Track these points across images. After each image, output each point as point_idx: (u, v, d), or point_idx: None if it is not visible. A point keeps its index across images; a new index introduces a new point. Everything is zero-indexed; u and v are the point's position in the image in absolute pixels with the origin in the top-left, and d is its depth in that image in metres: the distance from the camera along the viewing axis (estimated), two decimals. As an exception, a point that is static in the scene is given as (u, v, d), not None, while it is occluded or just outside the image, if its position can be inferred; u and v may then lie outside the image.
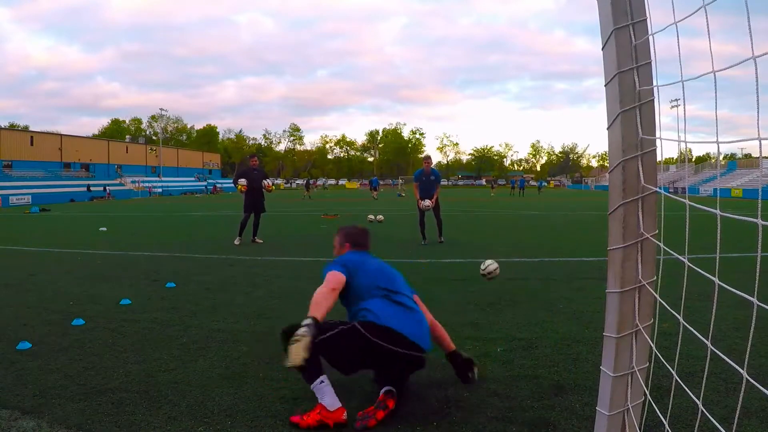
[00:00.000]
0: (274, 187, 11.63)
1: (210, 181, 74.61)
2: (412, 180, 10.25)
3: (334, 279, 2.86)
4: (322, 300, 2.74)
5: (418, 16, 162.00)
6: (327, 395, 2.61)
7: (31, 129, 71.01)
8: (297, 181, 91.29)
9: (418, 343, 2.77)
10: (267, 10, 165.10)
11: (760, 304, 0.99)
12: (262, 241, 10.35)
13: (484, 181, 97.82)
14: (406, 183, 53.52)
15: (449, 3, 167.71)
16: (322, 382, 2.64)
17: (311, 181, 45.68)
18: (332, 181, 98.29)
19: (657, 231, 1.39)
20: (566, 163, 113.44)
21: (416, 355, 2.78)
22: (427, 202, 9.66)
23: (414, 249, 9.27)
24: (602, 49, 1.40)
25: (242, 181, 10.11)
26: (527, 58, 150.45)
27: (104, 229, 14.43)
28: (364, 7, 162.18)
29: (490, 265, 5.35)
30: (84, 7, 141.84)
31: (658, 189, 1.37)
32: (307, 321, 2.54)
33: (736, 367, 1.10)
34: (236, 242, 10.13)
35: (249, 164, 10.74)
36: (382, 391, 2.74)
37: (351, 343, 2.71)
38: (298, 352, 2.42)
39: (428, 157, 10.46)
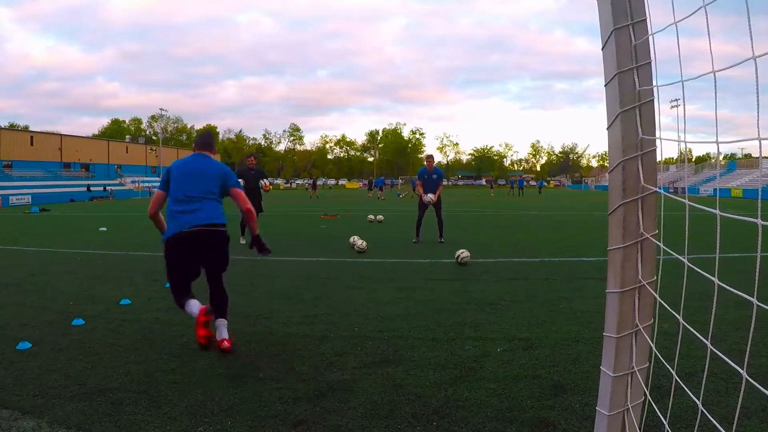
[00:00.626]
0: (272, 187, 11.65)
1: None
2: (416, 178, 10.50)
3: (152, 200, 3.87)
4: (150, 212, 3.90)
5: (418, 16, 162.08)
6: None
7: (31, 129, 71.02)
8: (297, 181, 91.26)
9: (189, 227, 3.65)
10: (267, 10, 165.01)
11: (760, 304, 0.99)
12: None
13: (484, 182, 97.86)
14: (405, 183, 53.56)
15: (450, 3, 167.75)
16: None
17: (317, 181, 45.56)
18: (332, 181, 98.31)
19: (657, 231, 1.39)
20: (566, 163, 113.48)
21: (194, 232, 3.65)
22: (430, 196, 9.89)
23: (414, 249, 9.27)
24: (602, 49, 1.40)
25: (240, 182, 10.11)
26: (528, 58, 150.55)
27: (104, 229, 14.43)
28: (364, 7, 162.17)
29: (462, 252, 7.18)
30: (84, 7, 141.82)
31: (658, 189, 1.37)
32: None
33: (736, 367, 1.10)
34: (242, 241, 10.21)
35: (246, 164, 10.67)
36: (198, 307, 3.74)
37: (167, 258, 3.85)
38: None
39: (430, 156, 10.69)
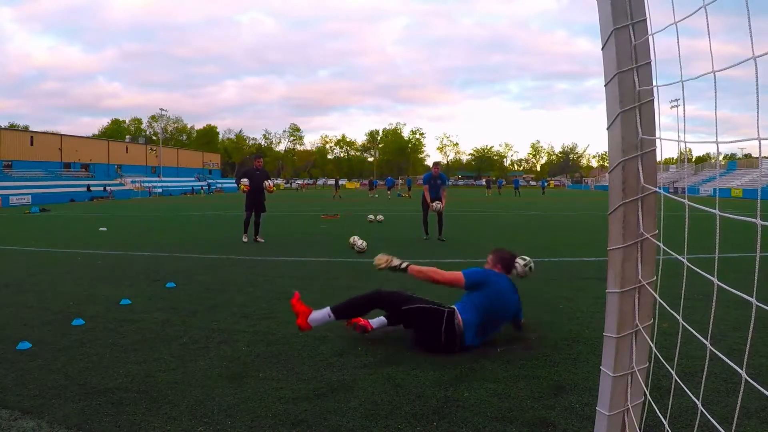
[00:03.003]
0: (275, 187, 11.87)
1: (211, 181, 74.56)
2: (422, 182, 11.10)
3: (454, 276, 3.87)
4: (430, 271, 3.94)
5: (419, 16, 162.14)
6: (320, 315, 3.75)
7: (31, 129, 71.03)
8: (297, 181, 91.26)
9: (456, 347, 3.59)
10: (268, 10, 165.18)
11: (760, 304, 0.99)
12: (263, 240, 10.54)
13: (484, 181, 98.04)
14: (404, 184, 53.65)
15: (451, 3, 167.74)
16: (330, 316, 3.73)
17: (340, 181, 45.22)
18: (332, 182, 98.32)
19: (657, 231, 1.39)
20: (566, 163, 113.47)
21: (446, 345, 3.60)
22: (438, 204, 10.27)
23: (414, 248, 9.28)
24: (602, 49, 1.40)
25: (245, 181, 10.47)
26: (528, 59, 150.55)
27: (104, 229, 14.43)
28: (365, 7, 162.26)
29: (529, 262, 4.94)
30: (85, 7, 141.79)
31: (658, 189, 1.37)
32: (407, 262, 3.95)
33: (736, 367, 1.10)
34: (244, 239, 10.51)
35: (253, 164, 11.05)
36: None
37: (429, 319, 3.61)
38: (381, 258, 3.99)
39: (437, 163, 11.24)
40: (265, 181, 10.57)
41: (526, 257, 5.10)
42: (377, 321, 3.81)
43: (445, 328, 3.54)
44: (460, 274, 3.83)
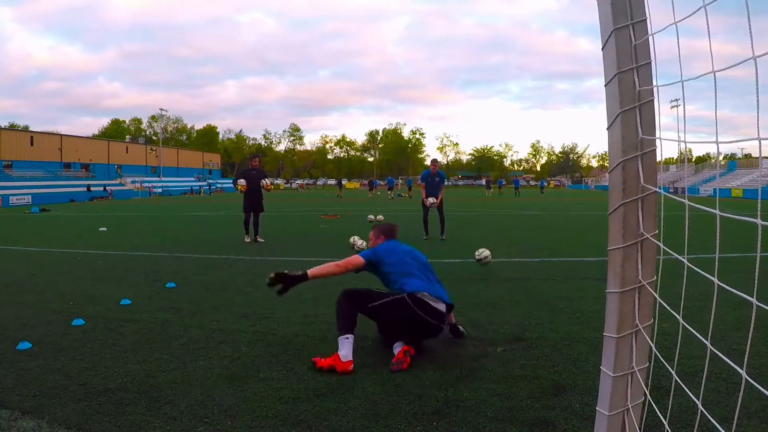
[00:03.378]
0: (273, 186, 11.94)
1: (211, 181, 74.53)
2: (419, 180, 11.19)
3: (350, 260, 3.76)
4: (325, 267, 3.68)
5: (420, 17, 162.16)
6: (345, 348, 3.30)
7: (31, 129, 71.03)
8: (297, 181, 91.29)
9: (441, 310, 3.60)
10: (269, 10, 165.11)
11: (760, 304, 0.99)
12: (263, 240, 10.58)
13: (484, 182, 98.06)
14: (404, 184, 53.73)
15: (451, 3, 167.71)
16: (347, 338, 3.35)
17: (343, 181, 45.57)
18: (332, 182, 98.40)
19: (657, 231, 1.39)
20: (566, 163, 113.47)
21: (440, 326, 3.61)
22: (432, 200, 10.40)
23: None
24: (602, 49, 1.40)
25: (242, 182, 10.49)
26: (529, 59, 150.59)
27: (104, 229, 14.43)
28: (366, 8, 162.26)
29: (483, 251, 6.51)
30: (85, 6, 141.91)
31: (658, 189, 1.37)
32: (300, 272, 3.60)
33: (736, 367, 1.10)
34: (246, 240, 10.55)
35: (249, 164, 11.06)
36: (402, 344, 3.45)
37: (399, 311, 3.50)
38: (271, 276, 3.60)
39: (435, 160, 11.32)
40: (262, 180, 10.62)
41: (483, 250, 6.48)
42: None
43: (422, 311, 3.49)
44: (356, 257, 3.77)
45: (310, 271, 3.60)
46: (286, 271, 3.59)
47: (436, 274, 3.99)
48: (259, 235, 10.62)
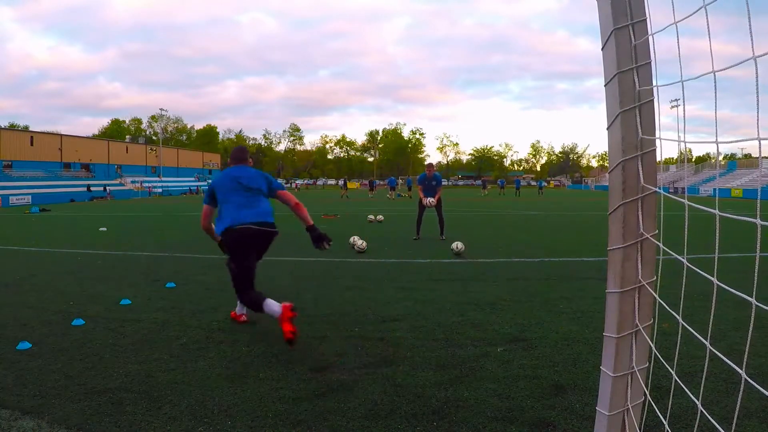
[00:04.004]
0: None
1: (210, 181, 74.50)
2: (417, 183, 11.32)
3: (204, 212, 4.42)
4: (204, 228, 4.50)
5: (421, 16, 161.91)
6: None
7: (31, 129, 71.02)
8: (297, 181, 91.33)
9: (252, 221, 3.99)
10: (270, 10, 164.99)
11: (759, 304, 0.99)
12: None
13: (480, 182, 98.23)
14: (404, 184, 53.83)
15: (452, 3, 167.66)
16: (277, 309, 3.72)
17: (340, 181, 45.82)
18: (332, 182, 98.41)
19: (657, 231, 1.39)
20: (566, 163, 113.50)
21: (256, 229, 4.00)
22: (430, 200, 10.54)
23: (414, 249, 9.28)
24: (602, 49, 1.40)
25: None
26: (529, 59, 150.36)
27: (104, 229, 14.43)
28: (367, 8, 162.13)
29: (458, 244, 8.45)
30: (86, 6, 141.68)
31: (658, 189, 1.37)
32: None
33: (735, 367, 1.10)
34: None
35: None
36: (279, 306, 3.70)
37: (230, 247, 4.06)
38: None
39: (430, 164, 11.49)
40: None
41: (458, 243, 8.42)
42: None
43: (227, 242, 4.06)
44: (204, 206, 4.40)
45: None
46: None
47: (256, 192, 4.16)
48: None
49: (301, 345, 3.82)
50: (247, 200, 4.05)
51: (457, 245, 8.47)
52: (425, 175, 10.90)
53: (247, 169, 4.23)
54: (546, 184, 64.07)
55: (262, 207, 4.09)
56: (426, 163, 12.49)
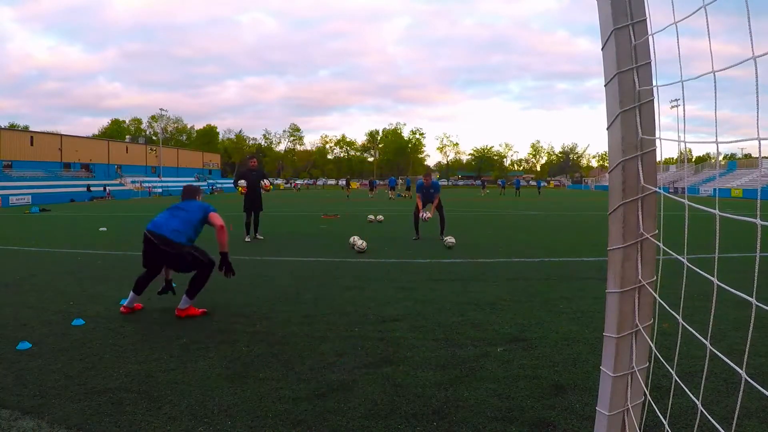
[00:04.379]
0: (272, 186, 12.04)
1: (210, 181, 74.50)
2: (415, 190, 11.30)
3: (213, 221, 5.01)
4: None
5: (421, 17, 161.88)
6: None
7: (31, 129, 71.00)
8: (297, 181, 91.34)
9: (158, 233, 4.70)
10: (270, 10, 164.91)
11: (759, 304, 0.99)
12: (262, 237, 10.77)
13: (479, 182, 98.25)
14: (404, 184, 53.94)
15: (453, 3, 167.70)
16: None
17: (341, 181, 46.27)
18: (332, 182, 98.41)
19: (657, 231, 1.39)
20: (566, 163, 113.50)
21: (161, 247, 4.68)
22: (427, 215, 10.59)
23: (414, 249, 9.28)
24: (602, 49, 1.40)
25: (242, 183, 10.60)
26: (529, 59, 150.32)
27: (104, 229, 14.43)
28: (367, 8, 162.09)
29: (449, 238, 8.84)
30: (86, 6, 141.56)
31: (658, 189, 1.37)
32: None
33: (735, 367, 1.10)
34: (246, 239, 10.61)
35: (248, 165, 11.19)
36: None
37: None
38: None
39: (428, 174, 11.41)
40: (262, 181, 10.77)
41: (450, 237, 8.76)
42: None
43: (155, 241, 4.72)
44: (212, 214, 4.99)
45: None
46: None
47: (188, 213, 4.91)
48: (258, 232, 10.79)
49: (301, 345, 3.82)
50: (169, 214, 4.91)
51: (448, 239, 9.06)
52: (423, 183, 10.90)
53: (191, 203, 5.05)
54: (546, 184, 63.97)
55: (173, 224, 4.75)
56: (426, 171, 12.42)
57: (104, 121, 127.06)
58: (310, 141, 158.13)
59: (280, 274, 6.81)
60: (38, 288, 6.02)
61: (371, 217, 15.49)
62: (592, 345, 3.69)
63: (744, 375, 1.04)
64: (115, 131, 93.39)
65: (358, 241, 8.99)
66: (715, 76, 1.09)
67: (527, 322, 4.36)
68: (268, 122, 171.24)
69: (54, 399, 2.86)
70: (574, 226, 14.52)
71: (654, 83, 1.34)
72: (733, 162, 57.11)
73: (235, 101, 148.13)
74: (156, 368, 3.34)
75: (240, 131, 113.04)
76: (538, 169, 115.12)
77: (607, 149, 1.45)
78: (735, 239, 9.11)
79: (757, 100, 0.96)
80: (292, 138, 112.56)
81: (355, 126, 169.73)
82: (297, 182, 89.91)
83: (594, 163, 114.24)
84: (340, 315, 4.67)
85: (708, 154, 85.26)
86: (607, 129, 1.42)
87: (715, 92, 1.17)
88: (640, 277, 1.39)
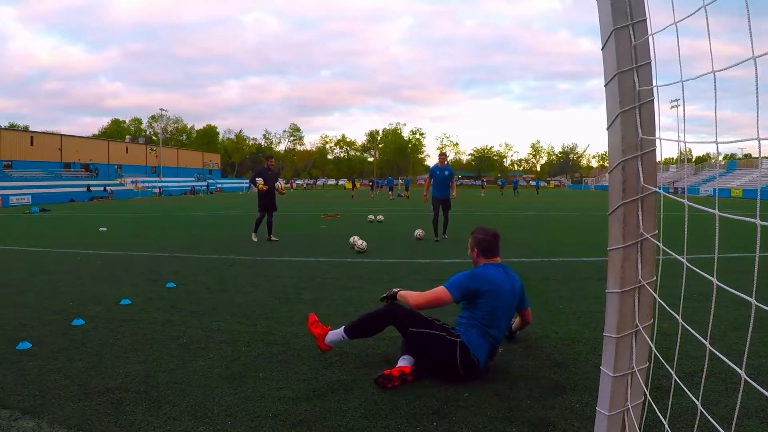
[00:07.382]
0: (286, 190, 11.97)
1: (210, 181, 74.47)
2: (422, 182, 11.20)
3: (436, 296, 3.35)
4: (409, 297, 3.38)
5: (423, 17, 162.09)
6: (334, 339, 3.49)
7: (31, 129, 71.01)
8: (297, 181, 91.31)
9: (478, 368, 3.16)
10: (272, 9, 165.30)
11: (759, 304, 0.99)
12: (277, 240, 10.58)
13: (479, 182, 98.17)
14: (403, 184, 53.99)
15: (455, 3, 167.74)
16: (344, 337, 3.46)
17: (340, 181, 46.61)
18: (332, 182, 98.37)
19: (657, 231, 1.39)
20: (566, 164, 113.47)
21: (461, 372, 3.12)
22: (421, 232, 10.73)
23: (414, 249, 9.28)
24: (602, 49, 1.40)
25: (260, 180, 10.42)
26: (531, 59, 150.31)
27: (104, 229, 14.42)
28: (369, 8, 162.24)
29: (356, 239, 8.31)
30: (88, 6, 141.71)
31: (657, 189, 1.37)
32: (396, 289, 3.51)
33: (735, 367, 1.10)
34: (254, 239, 10.53)
35: (266, 164, 11.13)
36: (409, 363, 3.21)
37: (440, 350, 3.15)
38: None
39: (444, 154, 11.24)
40: (276, 183, 10.70)
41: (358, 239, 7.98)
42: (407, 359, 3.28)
43: (461, 362, 3.09)
44: (442, 291, 3.31)
45: (399, 294, 3.43)
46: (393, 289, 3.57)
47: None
48: (272, 234, 10.61)
49: (301, 345, 3.82)
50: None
51: (419, 231, 9.84)
52: (437, 165, 10.68)
53: None
54: (545, 184, 63.96)
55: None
56: (440, 152, 11.72)
57: (104, 121, 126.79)
58: (310, 141, 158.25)
59: (280, 274, 6.81)
60: (38, 288, 6.02)
61: (371, 217, 15.49)
62: (592, 345, 3.69)
63: (744, 375, 1.04)
64: (115, 131, 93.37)
65: (358, 241, 8.98)
66: (715, 76, 1.09)
67: (527, 322, 4.35)
68: (270, 122, 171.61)
69: (54, 399, 2.86)
70: (574, 226, 14.52)
71: (654, 83, 1.34)
72: (733, 162, 57.13)
73: (237, 101, 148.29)
74: (156, 368, 3.34)
75: (240, 131, 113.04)
76: (538, 169, 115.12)
77: (607, 149, 1.45)
78: (735, 239, 9.10)
79: (757, 100, 0.96)
80: (292, 138, 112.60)
81: (356, 126, 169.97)
82: (297, 182, 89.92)
83: (594, 163, 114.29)
84: (340, 315, 4.66)
85: (708, 154, 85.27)
86: (607, 129, 1.42)
87: (715, 92, 1.17)
88: (640, 277, 1.39)
